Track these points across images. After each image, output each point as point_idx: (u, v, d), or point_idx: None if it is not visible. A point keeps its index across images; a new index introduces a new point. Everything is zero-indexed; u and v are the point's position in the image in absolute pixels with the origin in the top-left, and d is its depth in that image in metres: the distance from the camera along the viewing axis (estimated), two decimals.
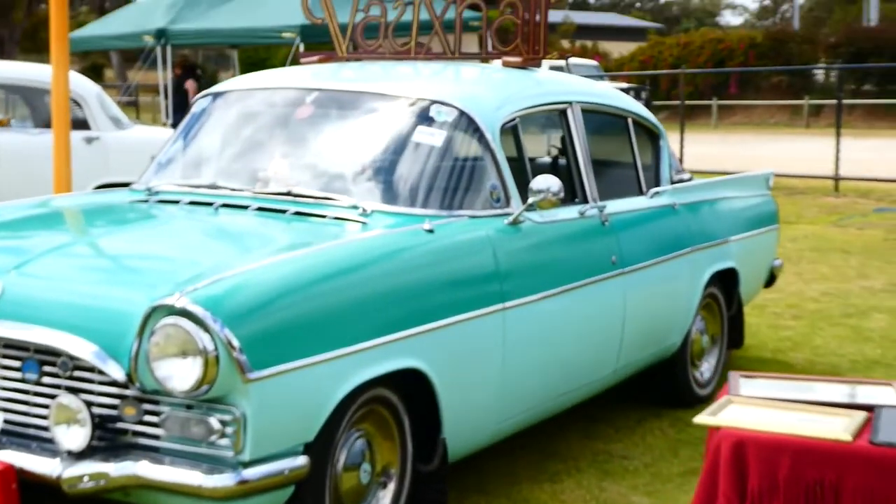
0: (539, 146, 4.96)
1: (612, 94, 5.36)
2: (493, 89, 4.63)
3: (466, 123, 4.27)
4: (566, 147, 4.78)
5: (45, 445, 3.28)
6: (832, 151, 15.30)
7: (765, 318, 7.45)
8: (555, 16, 52.48)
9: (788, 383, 3.27)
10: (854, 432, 2.85)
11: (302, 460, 3.23)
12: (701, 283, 5.41)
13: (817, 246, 10.59)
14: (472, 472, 4.39)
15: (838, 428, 2.85)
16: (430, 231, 3.85)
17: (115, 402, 3.21)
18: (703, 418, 2.99)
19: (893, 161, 14.54)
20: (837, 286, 8.78)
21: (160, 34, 17.78)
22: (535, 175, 4.18)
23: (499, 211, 4.17)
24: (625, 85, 25.46)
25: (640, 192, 5.22)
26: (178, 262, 3.52)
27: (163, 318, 3.07)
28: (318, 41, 16.96)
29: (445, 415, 3.74)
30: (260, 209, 4.06)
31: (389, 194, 4.10)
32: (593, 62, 29.50)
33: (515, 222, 4.15)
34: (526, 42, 4.90)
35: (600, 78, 23.20)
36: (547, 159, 5.10)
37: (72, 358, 3.23)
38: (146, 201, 4.39)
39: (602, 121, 5.06)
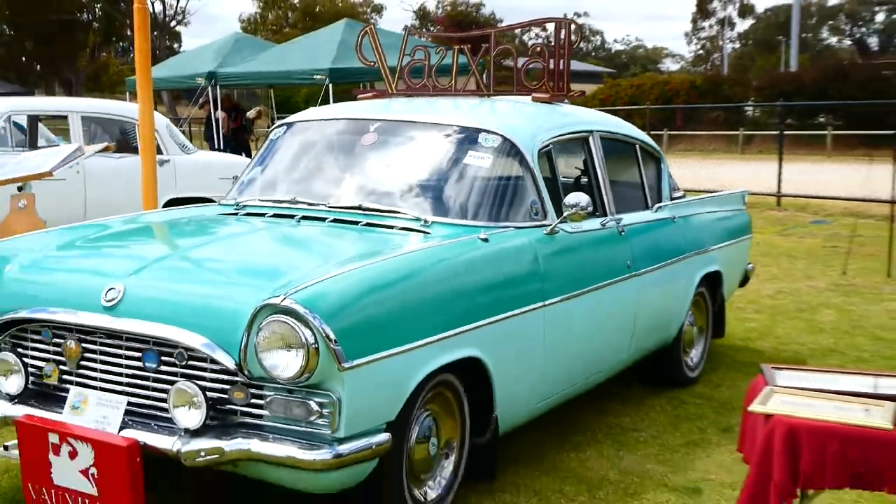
0: (565, 168, 4.85)
1: (622, 124, 5.28)
2: (529, 120, 4.53)
3: (509, 148, 4.19)
4: (588, 168, 4.72)
5: (164, 424, 3.16)
6: (767, 172, 15.19)
7: (731, 313, 7.30)
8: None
9: (815, 375, 3.15)
10: (893, 420, 2.74)
11: (386, 436, 3.13)
12: (694, 283, 5.37)
13: (767, 251, 10.49)
14: (504, 444, 4.27)
15: (878, 417, 2.76)
16: (486, 240, 3.75)
17: (226, 387, 3.10)
18: (757, 407, 2.87)
19: (824, 182, 14.48)
20: (789, 285, 8.69)
21: (210, 76, 17.75)
22: (565, 193, 4.13)
23: (538, 223, 4.08)
24: None
25: (647, 207, 5.15)
26: (275, 267, 3.39)
27: (270, 315, 2.97)
28: (344, 81, 16.96)
29: (498, 395, 3.67)
30: (335, 220, 3.94)
31: (446, 208, 4.00)
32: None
33: (552, 232, 4.06)
34: (552, 80, 4.86)
35: None
36: (571, 179, 5.00)
37: (187, 349, 3.12)
38: (235, 214, 4.27)
39: (615, 146, 4.98)
